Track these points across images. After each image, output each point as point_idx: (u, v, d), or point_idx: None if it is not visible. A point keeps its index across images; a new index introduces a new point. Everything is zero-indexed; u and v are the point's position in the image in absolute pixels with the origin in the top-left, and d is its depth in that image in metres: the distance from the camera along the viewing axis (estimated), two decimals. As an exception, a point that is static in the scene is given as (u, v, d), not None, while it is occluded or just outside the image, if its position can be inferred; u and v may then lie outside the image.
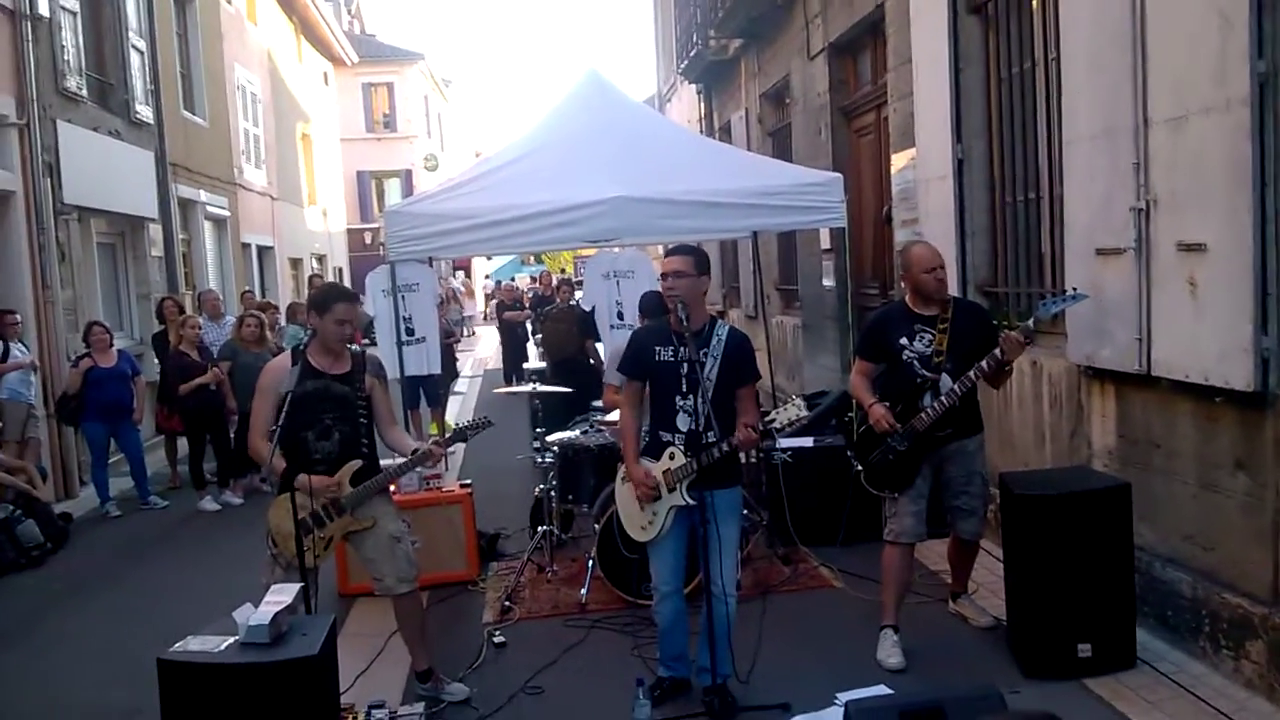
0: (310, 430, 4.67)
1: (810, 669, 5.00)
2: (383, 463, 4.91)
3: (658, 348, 4.51)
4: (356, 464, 4.72)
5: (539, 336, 14.09)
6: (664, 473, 4.45)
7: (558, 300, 12.95)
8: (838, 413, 7.91)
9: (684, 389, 4.44)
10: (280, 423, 4.44)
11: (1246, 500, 4.41)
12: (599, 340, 10.70)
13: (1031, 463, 6.12)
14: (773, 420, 4.36)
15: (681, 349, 4.44)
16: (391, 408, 5.06)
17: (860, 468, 5.19)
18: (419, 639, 4.91)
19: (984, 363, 4.80)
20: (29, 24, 10.19)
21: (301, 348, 4.84)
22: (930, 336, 4.95)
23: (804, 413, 4.33)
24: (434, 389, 11.25)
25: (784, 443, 6.78)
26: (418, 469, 6.56)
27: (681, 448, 4.39)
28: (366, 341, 10.21)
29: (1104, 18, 5.07)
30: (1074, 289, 5.00)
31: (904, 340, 4.98)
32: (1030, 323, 4.89)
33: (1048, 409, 5.99)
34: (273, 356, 9.73)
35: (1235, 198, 4.23)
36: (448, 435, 5.12)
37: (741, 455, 5.06)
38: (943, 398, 4.87)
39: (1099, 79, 5.15)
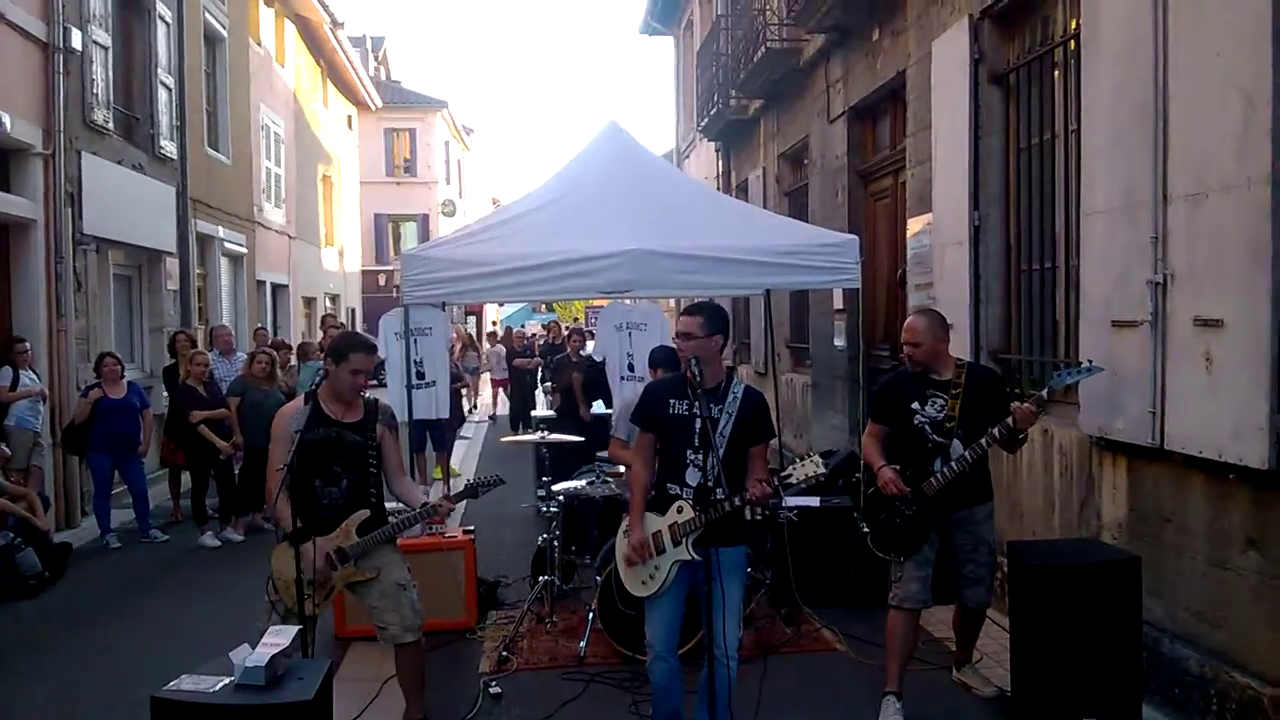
0: (319, 477, 4.66)
1: (810, 734, 4.93)
2: (390, 515, 4.86)
3: (672, 401, 4.49)
4: (364, 514, 4.69)
5: (548, 385, 14.11)
6: (670, 526, 4.40)
7: (568, 350, 12.97)
8: (845, 473, 7.87)
9: (696, 444, 4.41)
10: (289, 462, 4.41)
11: (1258, 579, 4.36)
12: (598, 399, 10.69)
13: (1040, 532, 6.07)
14: (789, 476, 4.32)
15: (696, 404, 4.42)
16: (401, 459, 5.02)
17: (867, 530, 5.14)
18: (417, 688, 4.85)
19: (995, 430, 4.78)
20: (61, 56, 10.34)
21: (314, 388, 4.83)
22: (942, 402, 4.93)
23: (821, 470, 4.29)
24: (441, 433, 11.23)
25: (790, 501, 6.74)
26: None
27: (690, 501, 4.35)
28: (374, 383, 10.22)
29: (1126, 92, 5.11)
30: (1089, 361, 4.97)
31: (915, 404, 4.97)
32: (1044, 393, 4.86)
33: (1058, 479, 5.94)
34: (283, 394, 9.82)
35: (1253, 275, 4.23)
36: (458, 492, 5.08)
37: (747, 513, 5.02)
38: (953, 463, 4.84)
39: (1119, 152, 5.18)
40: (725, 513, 4.29)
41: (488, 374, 22.13)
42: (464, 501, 5.22)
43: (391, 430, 4.89)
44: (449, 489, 10.40)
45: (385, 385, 8.10)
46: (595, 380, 10.58)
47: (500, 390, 17.85)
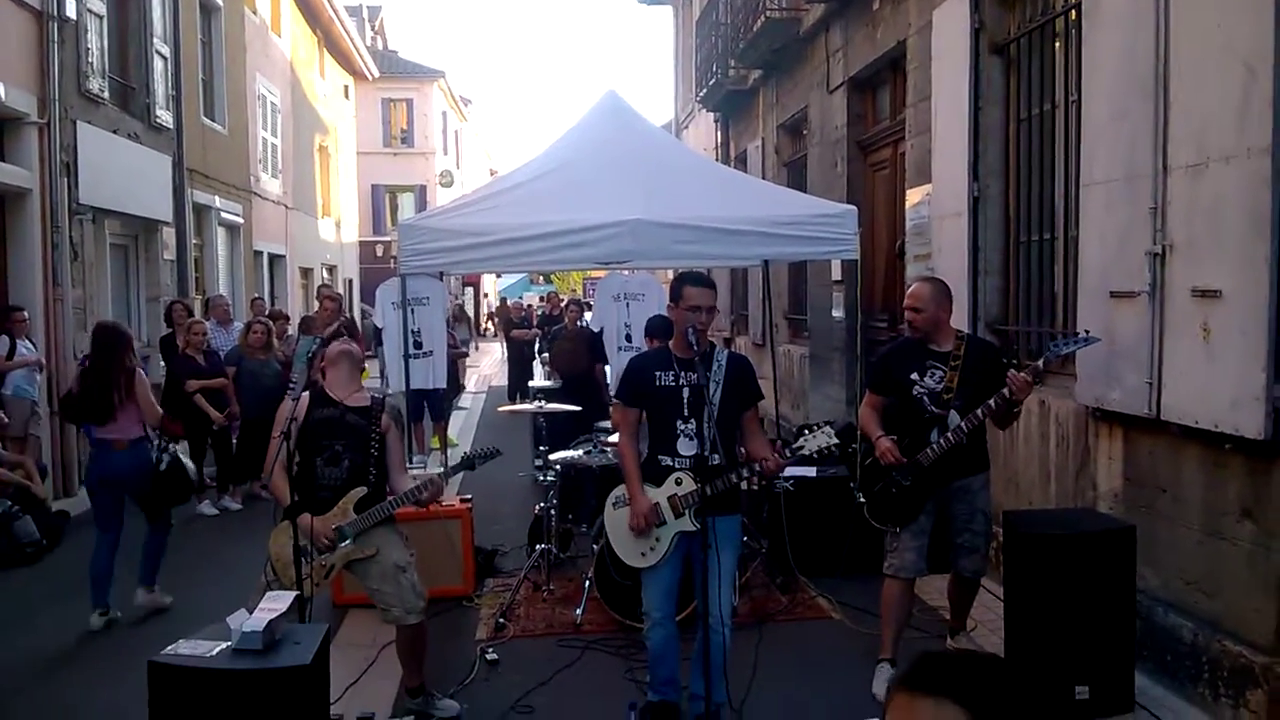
0: (320, 456, 4.70)
1: (805, 700, 4.96)
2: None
3: (658, 373, 4.49)
4: (361, 491, 4.71)
5: (545, 355, 14.09)
6: (670, 498, 4.41)
7: (565, 321, 12.95)
8: (842, 444, 7.88)
9: (685, 413, 4.42)
10: (285, 429, 4.46)
11: (1252, 549, 4.37)
12: (607, 363, 10.71)
13: (1036, 502, 6.09)
14: (801, 447, 4.32)
15: (682, 374, 4.42)
16: (403, 455, 5.05)
17: (864, 500, 5.16)
18: (415, 660, 4.86)
19: (992, 401, 4.78)
20: (55, 25, 10.26)
21: (312, 381, 4.89)
22: (941, 373, 4.94)
23: (834, 441, 4.30)
24: (438, 403, 11.24)
25: (787, 471, 6.74)
26: (416, 482, 6.61)
27: (690, 473, 4.35)
28: (369, 354, 10.22)
29: (1127, 63, 5.09)
30: (1086, 331, 4.98)
31: (915, 375, 4.97)
32: (1040, 363, 4.86)
33: (1054, 449, 5.96)
34: (279, 364, 9.82)
35: (1252, 246, 4.22)
36: (454, 464, 5.10)
37: (744, 483, 5.04)
38: (949, 434, 4.85)
39: (1119, 124, 5.16)
40: (719, 501, 4.31)
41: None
42: (462, 471, 5.22)
43: (396, 424, 4.93)
44: (446, 458, 10.43)
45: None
46: (597, 346, 10.61)
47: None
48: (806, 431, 4.36)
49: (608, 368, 10.39)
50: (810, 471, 6.98)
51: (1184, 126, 4.67)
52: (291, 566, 4.46)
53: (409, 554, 4.84)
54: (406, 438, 7.42)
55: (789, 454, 4.34)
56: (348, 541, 4.65)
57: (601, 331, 9.70)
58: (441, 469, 5.15)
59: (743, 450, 4.79)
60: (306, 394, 4.84)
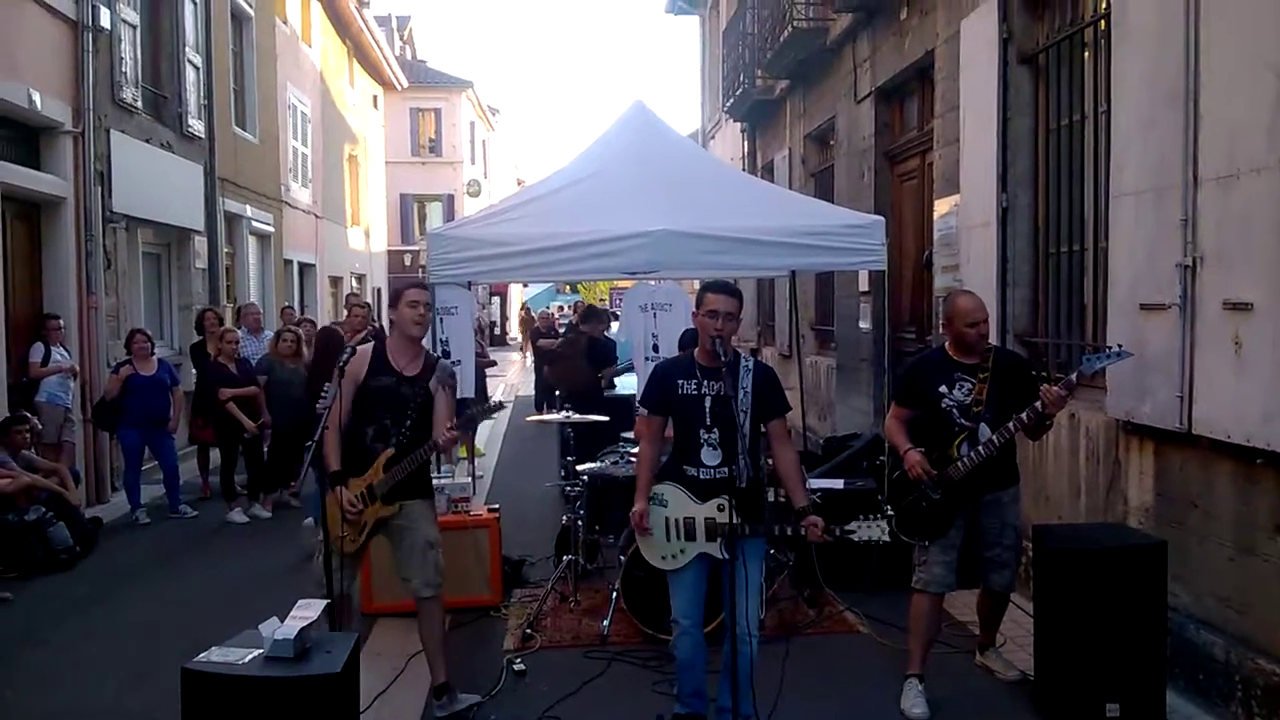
0: (370, 426, 4.85)
1: (832, 714, 4.95)
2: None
3: (680, 381, 4.49)
4: (390, 452, 4.82)
5: (545, 370, 14.13)
6: (708, 520, 4.38)
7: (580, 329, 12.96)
8: (869, 456, 7.86)
9: (708, 422, 4.41)
10: (335, 394, 4.67)
11: (1285, 566, 4.33)
12: (605, 369, 10.68)
13: (1066, 517, 6.05)
14: (852, 531, 4.27)
15: (705, 382, 4.42)
16: (449, 412, 5.06)
17: (892, 513, 5.13)
18: (440, 650, 4.95)
19: (1024, 414, 4.75)
20: (90, 35, 10.40)
21: (380, 340, 5.08)
22: (970, 385, 4.91)
23: (886, 537, 4.24)
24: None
25: (814, 484, 6.73)
26: (445, 492, 6.66)
27: (733, 504, 4.27)
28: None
29: (1157, 74, 5.06)
30: (1119, 346, 4.93)
31: (943, 388, 4.94)
32: (1073, 377, 4.82)
33: (1084, 463, 5.92)
34: (306, 372, 9.90)
35: (1284, 258, 4.19)
36: (461, 419, 5.11)
37: (770, 494, 5.03)
38: (980, 447, 4.82)
39: (1149, 134, 5.13)
40: (749, 514, 4.30)
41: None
42: (487, 475, 5.30)
43: (445, 388, 4.99)
44: (474, 469, 10.47)
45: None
46: (596, 355, 10.63)
47: None
48: (862, 517, 4.26)
49: (630, 377, 10.39)
50: (838, 484, 6.97)
51: (1214, 137, 4.64)
52: (335, 524, 4.70)
53: (438, 535, 5.00)
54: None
55: (837, 532, 4.27)
56: (376, 500, 4.82)
57: (605, 340, 9.72)
58: (470, 476, 5.19)
59: (768, 461, 4.78)
60: (370, 346, 5.03)
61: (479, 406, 5.28)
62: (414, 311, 4.89)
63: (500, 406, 5.24)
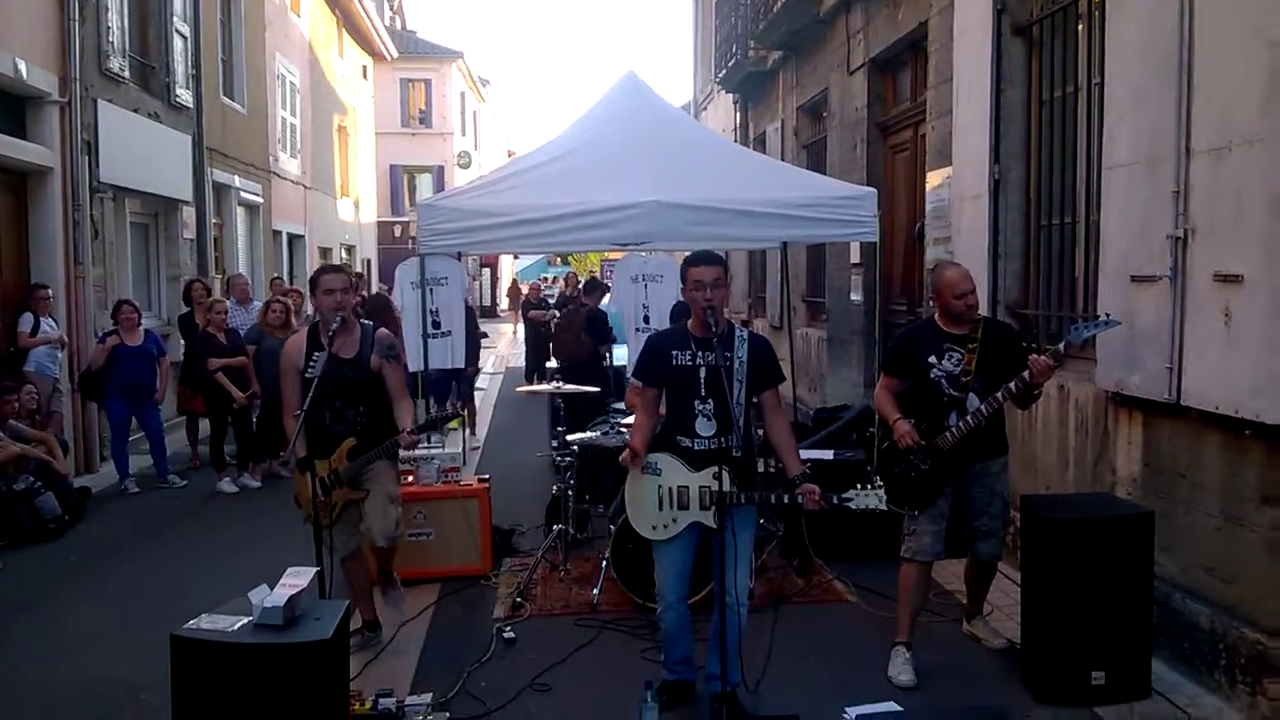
0: (327, 410, 5.08)
1: (820, 682, 4.98)
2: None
3: (675, 352, 4.48)
4: (351, 442, 5.11)
5: (550, 345, 14.17)
6: (702, 489, 4.39)
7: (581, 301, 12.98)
8: (859, 427, 7.88)
9: (703, 393, 4.41)
10: (305, 407, 4.79)
11: (1271, 535, 4.36)
12: (605, 342, 10.71)
13: (1054, 487, 6.08)
14: (849, 499, 4.27)
15: (700, 353, 4.41)
16: (402, 381, 5.37)
17: (881, 483, 5.14)
18: (369, 593, 5.42)
19: (1012, 384, 4.76)
20: (76, 4, 10.31)
21: (314, 322, 5.31)
22: (959, 356, 4.92)
23: (881, 506, 4.24)
24: (469, 385, 11.34)
25: (804, 454, 6.74)
26: (435, 462, 6.69)
27: (731, 476, 4.30)
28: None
29: (1150, 46, 5.04)
30: (1107, 315, 4.95)
31: (932, 358, 4.95)
32: (1061, 346, 4.83)
33: (1073, 433, 5.94)
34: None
35: (1275, 230, 4.19)
36: (419, 424, 5.30)
37: (760, 464, 5.04)
38: (969, 417, 4.84)
39: (1142, 106, 5.12)
40: (742, 484, 4.31)
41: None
42: (480, 444, 5.41)
43: (388, 360, 5.22)
44: (465, 439, 10.48)
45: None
46: (594, 329, 10.64)
47: None
48: (859, 486, 4.26)
49: (622, 349, 10.40)
50: (827, 454, 6.99)
51: (1207, 109, 4.63)
52: (308, 504, 5.02)
53: (399, 491, 5.40)
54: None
55: (834, 500, 4.28)
56: (342, 485, 5.12)
57: (600, 312, 9.73)
58: (463, 447, 5.28)
59: (759, 432, 4.79)
60: (301, 335, 5.29)
61: (439, 413, 5.53)
62: (330, 299, 5.07)
63: (459, 414, 5.47)
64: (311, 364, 4.98)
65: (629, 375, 6.82)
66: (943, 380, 4.92)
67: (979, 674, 5.06)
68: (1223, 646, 4.61)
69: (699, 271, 4.39)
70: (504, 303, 40.74)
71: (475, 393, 14.40)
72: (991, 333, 5.03)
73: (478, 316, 14.20)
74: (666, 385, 4.53)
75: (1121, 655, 4.61)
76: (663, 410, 4.62)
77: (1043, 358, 4.72)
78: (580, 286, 14.50)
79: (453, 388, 10.96)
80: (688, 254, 4.55)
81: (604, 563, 6.07)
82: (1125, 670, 4.62)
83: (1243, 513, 4.51)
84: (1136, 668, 4.65)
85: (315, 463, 5.00)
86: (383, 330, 5.38)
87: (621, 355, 10.49)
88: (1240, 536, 4.53)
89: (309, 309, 11.83)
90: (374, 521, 5.19)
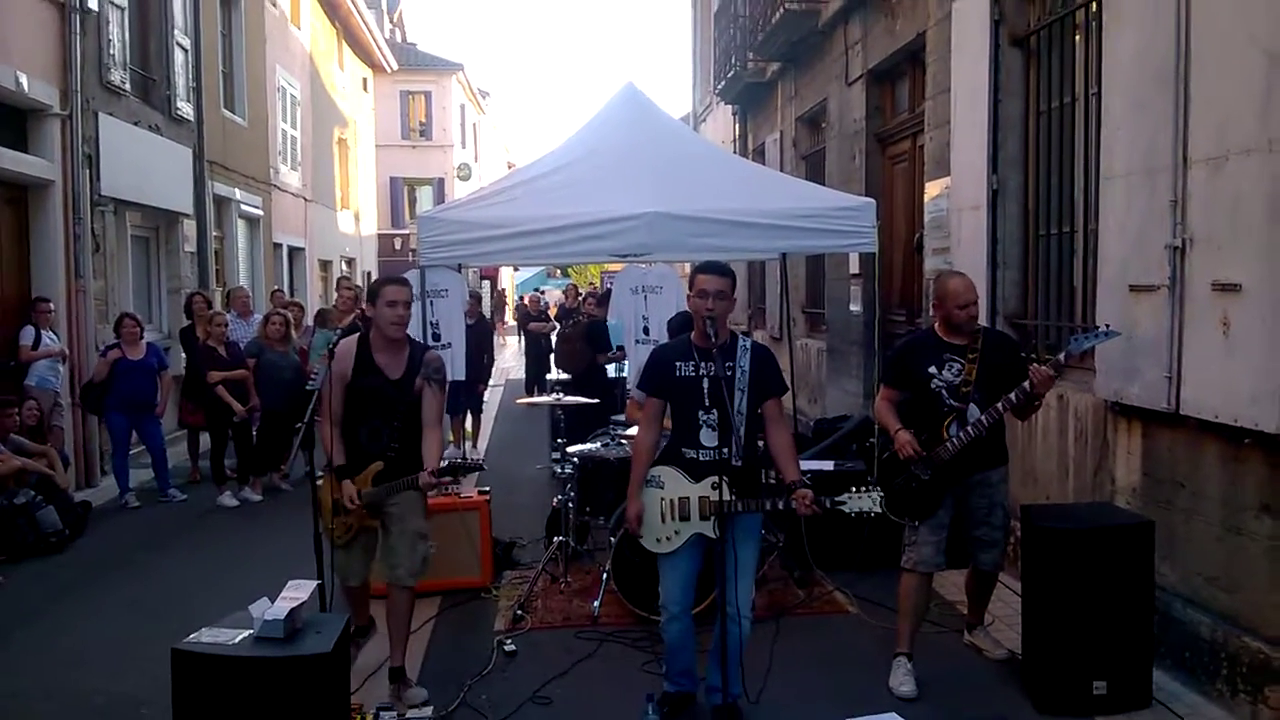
0: (363, 427, 4.88)
1: (821, 693, 4.97)
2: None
3: (678, 363, 4.49)
4: (379, 465, 4.85)
5: (552, 356, 14.25)
6: (702, 499, 4.40)
7: (584, 313, 13.04)
8: (859, 438, 7.88)
9: (707, 403, 4.41)
10: (340, 411, 4.73)
11: (1271, 544, 4.36)
12: (606, 350, 10.72)
13: (1054, 496, 6.08)
14: (843, 502, 4.27)
15: (703, 364, 4.42)
16: (440, 412, 5.07)
17: (882, 494, 5.14)
18: (404, 636, 5.01)
19: (1012, 395, 4.76)
20: (77, 17, 10.33)
21: (365, 331, 5.05)
22: (959, 366, 4.92)
23: (877, 509, 4.24)
24: (477, 399, 11.36)
25: (804, 465, 6.74)
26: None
27: (730, 484, 4.31)
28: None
29: (1147, 56, 5.06)
30: (1107, 325, 4.95)
31: (932, 369, 4.96)
32: (1061, 357, 4.84)
33: (1073, 443, 5.94)
34: (297, 355, 9.89)
35: (1273, 239, 4.21)
36: (442, 468, 5.00)
37: (762, 476, 5.03)
38: (969, 428, 4.83)
39: (1139, 116, 5.13)
40: (744, 493, 4.31)
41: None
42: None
43: (432, 384, 4.94)
44: (465, 451, 10.49)
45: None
46: (595, 337, 10.66)
47: None
48: (854, 489, 4.26)
49: (621, 363, 10.42)
50: (828, 465, 6.99)
51: (1204, 119, 4.65)
52: (327, 515, 4.80)
53: (428, 527, 5.06)
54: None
55: (828, 504, 4.28)
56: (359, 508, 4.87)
57: (603, 323, 9.74)
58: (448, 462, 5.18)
59: (760, 444, 4.79)
60: (353, 341, 4.96)
61: (463, 461, 5.25)
62: (392, 312, 4.82)
63: (480, 467, 5.32)
64: (359, 375, 4.82)
65: (629, 387, 6.83)
66: (943, 391, 4.93)
67: (980, 685, 5.05)
68: (1224, 656, 4.61)
69: (704, 280, 4.41)
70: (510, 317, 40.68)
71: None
72: (991, 343, 5.03)
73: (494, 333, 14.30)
74: (670, 397, 4.53)
75: (1123, 665, 4.61)
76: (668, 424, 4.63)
77: (1044, 369, 4.72)
78: (580, 298, 14.53)
79: (461, 403, 10.98)
80: (693, 263, 4.56)
81: (605, 575, 6.06)
82: (1127, 680, 4.61)
83: (1242, 521, 4.52)
84: (1138, 678, 4.65)
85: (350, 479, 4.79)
86: (433, 353, 5.12)
87: (621, 366, 10.52)
88: (1240, 545, 4.54)
89: (308, 321, 11.87)
90: (400, 559, 4.88)
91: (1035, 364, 4.84)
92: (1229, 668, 4.57)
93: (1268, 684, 4.33)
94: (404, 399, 4.87)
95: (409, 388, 4.88)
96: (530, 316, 17.44)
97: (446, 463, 4.91)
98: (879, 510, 4.25)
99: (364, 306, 5.15)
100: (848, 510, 4.25)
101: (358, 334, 5.08)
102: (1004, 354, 5.03)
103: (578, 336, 11.04)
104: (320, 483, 4.92)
